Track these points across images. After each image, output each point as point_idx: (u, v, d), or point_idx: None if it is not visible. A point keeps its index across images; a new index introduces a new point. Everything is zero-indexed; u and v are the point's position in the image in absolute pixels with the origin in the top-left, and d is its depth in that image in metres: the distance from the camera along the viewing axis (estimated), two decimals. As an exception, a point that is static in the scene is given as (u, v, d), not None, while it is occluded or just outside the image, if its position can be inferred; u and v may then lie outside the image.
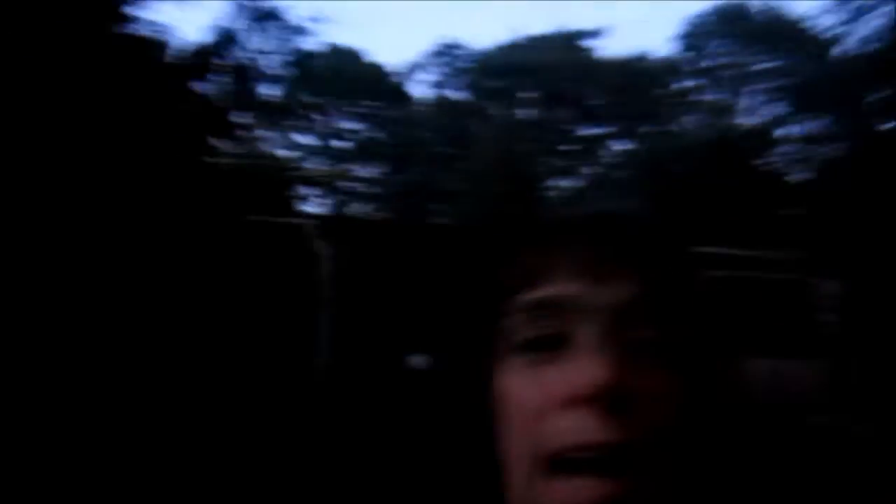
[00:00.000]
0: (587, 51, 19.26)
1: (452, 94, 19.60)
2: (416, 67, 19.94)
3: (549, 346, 0.44)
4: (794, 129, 16.96)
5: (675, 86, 19.06)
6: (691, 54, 19.13)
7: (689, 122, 18.43)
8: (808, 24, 16.68)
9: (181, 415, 5.04)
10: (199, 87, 8.68)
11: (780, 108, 17.53)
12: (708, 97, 18.90)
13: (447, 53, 19.91)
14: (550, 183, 18.54)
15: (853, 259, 8.18)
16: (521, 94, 18.94)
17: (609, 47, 19.35)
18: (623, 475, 0.41)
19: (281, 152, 16.68)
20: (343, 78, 17.07)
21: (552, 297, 0.45)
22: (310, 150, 18.27)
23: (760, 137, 16.86)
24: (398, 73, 19.42)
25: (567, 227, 0.48)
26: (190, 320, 5.95)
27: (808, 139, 15.98)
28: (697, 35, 18.94)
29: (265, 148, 15.24)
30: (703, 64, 18.90)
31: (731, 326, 0.51)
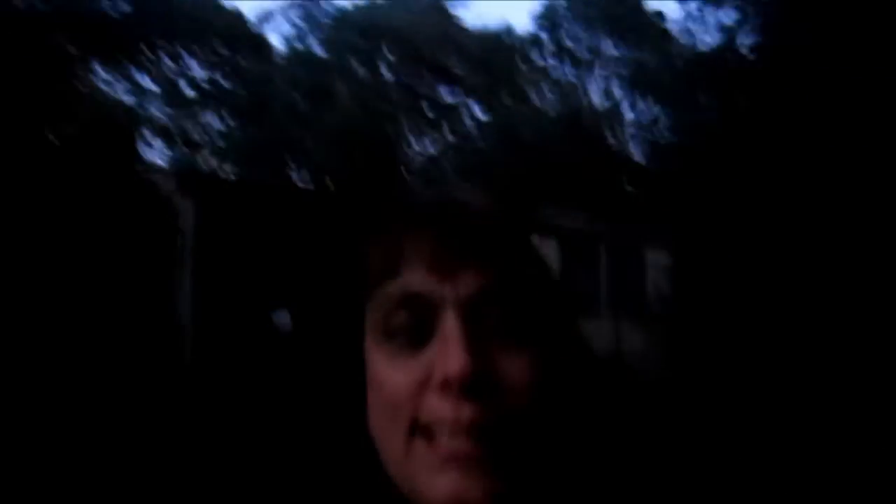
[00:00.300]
0: (451, 17, 19.38)
1: (311, 50, 18.88)
2: (273, 17, 18.91)
3: (413, 335, 0.48)
4: (640, 114, 18.44)
5: (532, 62, 19.82)
6: (549, 34, 19.97)
7: (543, 98, 19.32)
8: (661, 17, 18.05)
9: (35, 379, 4.54)
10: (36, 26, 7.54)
11: (627, 93, 18.93)
12: (561, 76, 19.89)
13: (307, 6, 19.08)
14: (408, 146, 18.61)
15: (685, 232, 9.18)
16: (381, 55, 18.69)
17: (473, 17, 19.55)
18: (489, 443, 0.46)
19: (126, 98, 15.11)
20: (197, 21, 15.75)
21: (410, 291, 0.48)
22: (158, 97, 16.76)
23: (608, 118, 18.14)
24: (256, 22, 18.31)
25: (419, 219, 0.51)
26: (35, 281, 5.33)
27: (650, 124, 17.47)
28: (555, 16, 19.79)
29: (109, 92, 13.73)
30: (559, 44, 19.83)
31: (574, 294, 0.63)
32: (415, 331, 0.49)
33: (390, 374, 0.48)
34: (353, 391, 0.50)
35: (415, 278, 0.48)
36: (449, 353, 0.46)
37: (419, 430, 0.47)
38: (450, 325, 0.47)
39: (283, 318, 5.71)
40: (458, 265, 0.48)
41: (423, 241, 0.49)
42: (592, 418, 0.51)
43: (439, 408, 0.46)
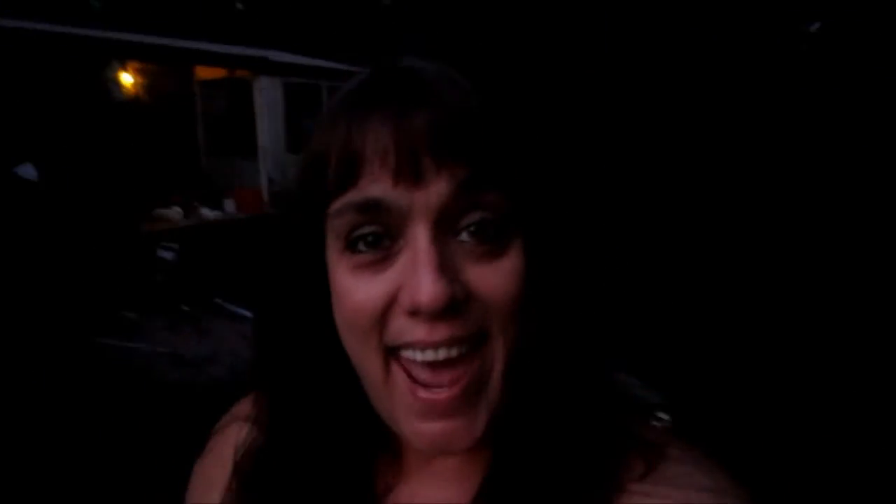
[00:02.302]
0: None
1: None
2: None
3: (378, 248, 0.44)
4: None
5: None
6: None
7: None
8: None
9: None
10: None
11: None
12: None
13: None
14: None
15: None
16: None
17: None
18: (464, 359, 0.44)
19: None
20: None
21: (372, 198, 0.43)
22: None
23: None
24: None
25: (380, 113, 0.44)
26: None
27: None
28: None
29: None
30: None
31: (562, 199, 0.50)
32: (380, 242, 0.44)
33: (355, 290, 0.45)
34: (317, 306, 0.47)
35: (377, 186, 0.43)
36: (419, 278, 0.42)
37: (393, 353, 0.45)
38: (420, 241, 0.43)
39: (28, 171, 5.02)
40: (428, 170, 0.42)
41: (383, 140, 0.43)
42: (571, 336, 0.46)
43: (409, 329, 0.43)
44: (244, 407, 0.59)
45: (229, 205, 7.53)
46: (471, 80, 0.47)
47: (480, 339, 0.45)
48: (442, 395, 0.44)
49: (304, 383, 0.49)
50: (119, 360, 4.17)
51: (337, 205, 0.44)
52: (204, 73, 8.17)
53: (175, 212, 7.02)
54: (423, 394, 0.44)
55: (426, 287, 0.41)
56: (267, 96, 8.22)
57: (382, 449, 0.51)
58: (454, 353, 0.44)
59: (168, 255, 5.19)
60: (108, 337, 4.46)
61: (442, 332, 0.43)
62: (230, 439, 0.58)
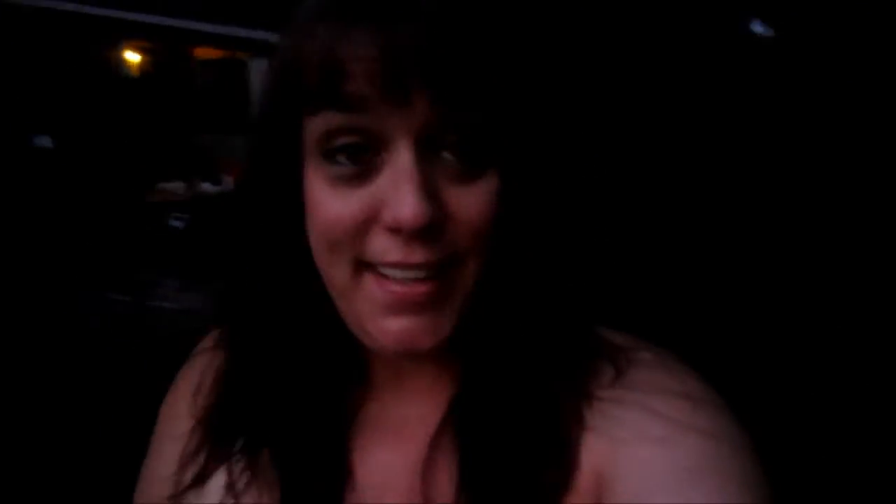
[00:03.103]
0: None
1: None
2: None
3: (358, 162, 0.44)
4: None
5: None
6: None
7: None
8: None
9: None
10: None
11: None
12: None
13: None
14: None
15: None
16: None
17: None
18: (439, 282, 0.44)
19: None
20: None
21: (356, 98, 0.42)
22: None
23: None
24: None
25: (362, 30, 0.43)
26: None
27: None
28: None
29: None
30: None
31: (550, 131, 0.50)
32: (360, 156, 0.44)
33: (332, 202, 0.45)
34: (289, 215, 0.46)
35: (362, 105, 0.43)
36: (402, 196, 0.42)
37: (365, 266, 0.45)
38: (403, 159, 0.43)
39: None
40: (414, 87, 0.42)
41: (368, 57, 0.42)
42: (547, 262, 0.47)
43: (387, 248, 0.43)
44: (209, 340, 0.61)
45: (227, 181, 7.87)
46: None
47: (453, 263, 0.46)
48: (415, 289, 0.44)
49: (272, 303, 0.50)
50: (133, 314, 4.55)
51: (314, 116, 0.45)
52: (202, 52, 8.45)
53: (177, 185, 7.36)
54: (392, 287, 0.45)
55: (409, 205, 0.42)
56: (262, 77, 8.55)
57: (353, 369, 0.53)
58: (428, 274, 0.45)
59: (179, 224, 5.56)
60: (121, 294, 4.83)
61: (418, 254, 0.44)
62: (195, 370, 0.60)
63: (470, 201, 0.45)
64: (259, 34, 8.60)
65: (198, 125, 8.99)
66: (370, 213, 0.45)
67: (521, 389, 0.47)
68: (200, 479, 0.54)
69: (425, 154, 0.44)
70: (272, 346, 0.50)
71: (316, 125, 0.45)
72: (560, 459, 0.44)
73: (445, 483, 0.47)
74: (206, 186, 7.52)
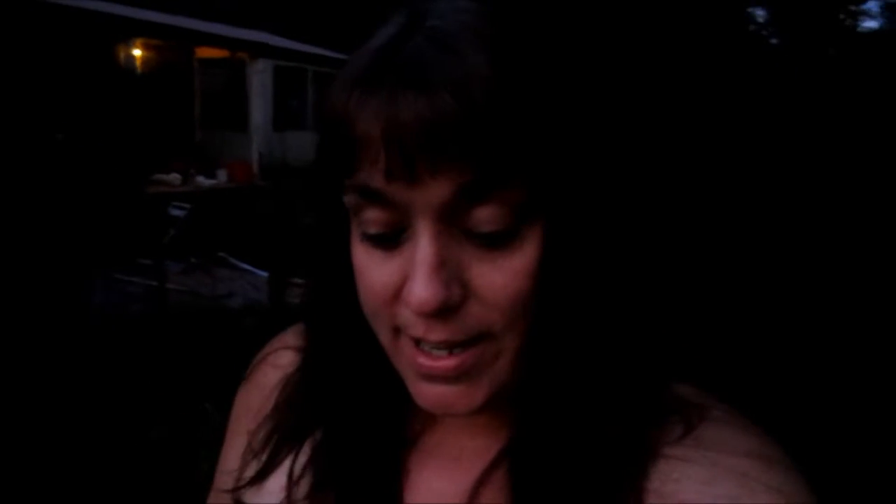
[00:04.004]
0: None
1: None
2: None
3: (385, 233, 0.43)
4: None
5: None
6: None
7: None
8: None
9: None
10: None
11: None
12: None
13: None
14: None
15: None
16: None
17: None
18: (466, 354, 0.43)
19: None
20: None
21: (371, 188, 0.41)
22: None
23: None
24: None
25: (372, 110, 0.40)
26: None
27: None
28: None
29: None
30: None
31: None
32: (387, 229, 0.43)
33: (369, 271, 0.44)
34: (341, 272, 0.47)
35: (374, 180, 0.41)
36: (414, 281, 0.41)
37: (400, 332, 0.45)
38: (421, 241, 0.41)
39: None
40: (424, 171, 0.39)
41: (373, 134, 0.40)
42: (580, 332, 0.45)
43: (412, 321, 0.43)
44: (288, 337, 0.61)
45: (222, 175, 8.25)
46: (503, 35, 0.41)
47: (483, 338, 0.43)
48: (440, 364, 0.43)
49: (348, 328, 0.50)
50: (140, 294, 4.94)
51: (346, 183, 0.43)
52: (203, 52, 8.83)
53: (174, 177, 7.74)
54: (421, 358, 0.43)
55: (418, 289, 0.41)
56: (259, 78, 8.96)
57: (411, 399, 0.49)
58: (455, 350, 0.43)
59: (179, 213, 5.94)
60: (127, 275, 5.22)
61: (438, 333, 0.42)
62: (271, 367, 0.61)
63: (496, 279, 0.42)
64: (258, 36, 8.98)
65: (196, 121, 9.38)
66: (399, 284, 0.43)
67: (577, 437, 0.45)
68: (259, 478, 0.54)
69: (448, 232, 0.41)
70: (346, 361, 0.51)
71: (348, 199, 0.43)
72: None
73: None
74: (201, 179, 7.91)
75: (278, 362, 0.60)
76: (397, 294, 0.43)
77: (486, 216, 0.41)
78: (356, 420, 0.52)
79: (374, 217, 0.42)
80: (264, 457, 0.55)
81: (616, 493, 0.44)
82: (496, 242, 0.41)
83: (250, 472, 0.55)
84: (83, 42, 6.65)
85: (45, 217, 5.05)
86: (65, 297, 4.35)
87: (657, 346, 0.49)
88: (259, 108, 9.05)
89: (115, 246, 5.29)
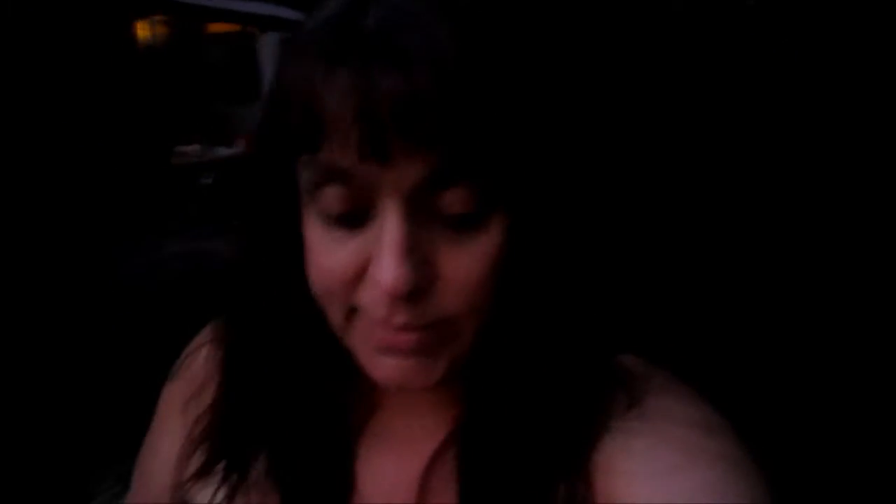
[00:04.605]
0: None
1: None
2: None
3: (348, 213, 0.41)
4: None
5: None
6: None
7: None
8: None
9: None
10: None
11: None
12: None
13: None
14: None
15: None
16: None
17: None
18: (428, 337, 0.42)
19: None
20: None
21: (338, 167, 0.39)
22: None
23: None
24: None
25: (342, 87, 0.37)
26: None
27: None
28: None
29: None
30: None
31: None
32: (349, 208, 0.41)
33: (325, 251, 0.42)
34: (287, 250, 0.45)
35: (342, 158, 0.38)
36: (383, 261, 0.39)
37: (357, 311, 0.43)
38: (389, 222, 0.39)
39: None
40: (397, 150, 0.37)
41: (345, 110, 0.37)
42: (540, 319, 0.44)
43: (374, 303, 0.41)
44: (208, 333, 0.59)
45: (239, 144, 8.63)
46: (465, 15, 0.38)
47: (444, 323, 0.42)
48: (399, 338, 0.41)
49: (275, 313, 0.47)
50: (180, 254, 5.35)
51: (303, 159, 0.41)
52: (214, 26, 9.11)
53: (194, 149, 8.11)
54: (380, 333, 0.42)
55: (388, 272, 0.39)
56: (269, 50, 9.25)
57: (356, 384, 0.49)
58: (414, 335, 0.41)
59: (208, 181, 6.34)
60: (161, 239, 5.63)
61: (402, 316, 0.41)
62: (198, 363, 0.57)
63: (463, 262, 0.41)
64: (267, 9, 9.22)
65: (211, 94, 9.69)
66: (361, 264, 0.41)
67: (526, 416, 0.44)
68: (204, 474, 0.52)
69: (417, 214, 0.39)
70: (274, 350, 0.48)
71: (306, 175, 0.41)
72: (564, 488, 0.42)
73: (445, 499, 0.45)
74: (221, 150, 8.26)
75: (204, 357, 0.57)
76: (358, 275, 0.41)
77: (454, 199, 0.39)
78: (298, 411, 0.48)
79: (335, 195, 0.40)
80: (207, 450, 0.52)
81: (565, 468, 0.43)
82: (464, 225, 0.40)
83: (192, 466, 0.52)
84: (103, 19, 6.97)
85: (78, 188, 5.44)
86: (99, 261, 4.76)
87: (605, 323, 0.48)
88: (269, 81, 9.40)
89: (149, 213, 5.71)
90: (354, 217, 0.41)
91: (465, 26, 0.37)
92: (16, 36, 5.09)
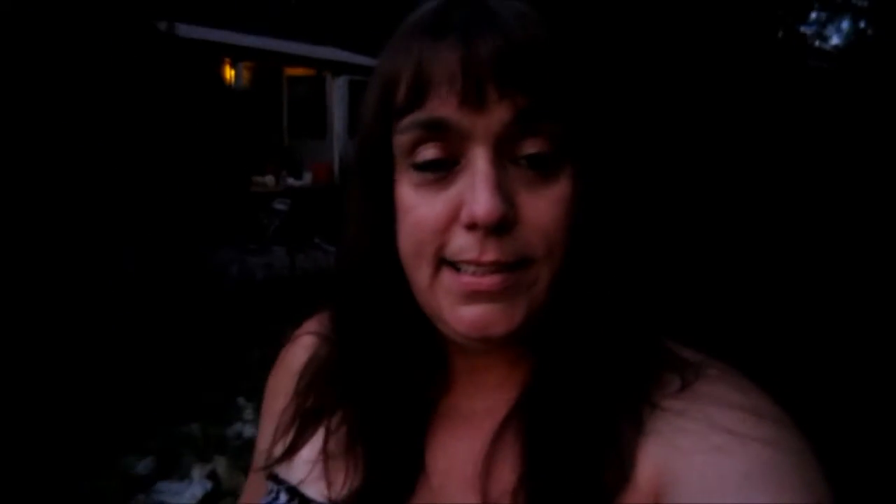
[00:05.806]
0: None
1: None
2: None
3: (441, 167, 0.46)
4: None
5: None
6: None
7: None
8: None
9: None
10: None
11: None
12: None
13: None
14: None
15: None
16: None
17: None
18: (513, 278, 0.46)
19: None
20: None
21: (436, 120, 0.45)
22: None
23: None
24: None
25: (447, 41, 0.45)
26: None
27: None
28: None
29: None
30: None
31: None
32: (443, 162, 0.46)
33: (418, 205, 0.47)
34: (381, 220, 0.49)
35: (443, 108, 0.45)
36: (477, 194, 0.44)
37: (445, 263, 0.47)
38: (479, 162, 0.45)
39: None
40: (492, 96, 0.44)
41: (451, 67, 0.44)
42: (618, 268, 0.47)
43: (465, 246, 0.45)
44: (313, 323, 0.65)
45: (307, 176, 9.48)
46: (538, 12, 0.47)
47: (525, 264, 0.46)
48: (485, 280, 0.45)
49: (368, 300, 0.52)
50: (263, 265, 6.11)
51: (405, 122, 0.46)
52: (291, 70, 10.09)
53: (269, 179, 9.00)
54: (466, 279, 0.46)
55: (483, 202, 0.43)
56: (338, 91, 10.18)
57: (435, 363, 0.54)
58: (499, 270, 0.45)
59: (282, 206, 7.16)
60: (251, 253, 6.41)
61: (491, 253, 0.45)
62: (298, 351, 0.63)
63: (542, 206, 0.46)
64: (340, 55, 10.15)
65: (284, 130, 10.70)
66: (452, 213, 0.46)
67: (587, 391, 0.47)
68: (288, 454, 0.56)
69: (501, 160, 0.45)
70: (365, 337, 0.53)
71: (405, 138, 0.47)
72: (618, 460, 0.44)
73: (507, 474, 0.47)
74: (291, 180, 9.14)
75: (305, 344, 0.63)
76: (448, 225, 0.46)
77: (534, 144, 0.45)
78: (381, 392, 0.53)
79: (431, 148, 0.46)
80: (292, 433, 0.57)
81: (615, 438, 0.46)
82: (541, 169, 0.46)
83: (279, 449, 0.57)
84: (196, 64, 7.95)
85: (180, 212, 6.32)
86: (201, 266, 5.58)
87: (656, 302, 0.51)
88: (338, 118, 10.31)
89: (233, 232, 6.54)
90: (446, 166, 0.46)
91: (539, 17, 0.47)
92: (136, 82, 6.01)
